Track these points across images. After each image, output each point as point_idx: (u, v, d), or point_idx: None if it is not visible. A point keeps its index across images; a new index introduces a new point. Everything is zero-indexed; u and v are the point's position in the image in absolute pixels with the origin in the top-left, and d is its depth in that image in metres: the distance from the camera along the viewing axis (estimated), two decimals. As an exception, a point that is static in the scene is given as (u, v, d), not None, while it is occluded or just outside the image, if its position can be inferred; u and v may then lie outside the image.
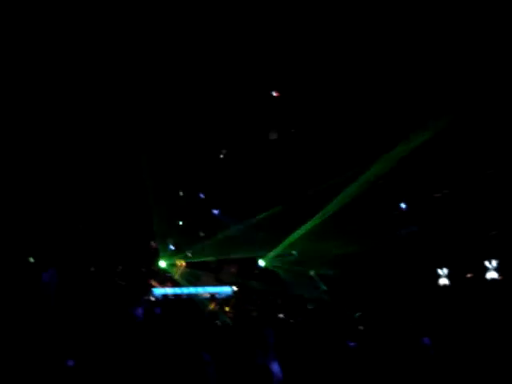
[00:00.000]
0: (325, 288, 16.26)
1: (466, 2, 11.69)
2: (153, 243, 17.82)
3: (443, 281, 15.24)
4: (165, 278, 18.17)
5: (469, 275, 14.77)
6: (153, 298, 17.22)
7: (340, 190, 15.90)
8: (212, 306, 16.76)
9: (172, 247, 18.62)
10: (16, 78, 12.77)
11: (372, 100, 14.32)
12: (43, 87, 13.44)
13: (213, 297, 17.88)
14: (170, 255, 18.34)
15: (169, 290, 17.75)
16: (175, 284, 18.04)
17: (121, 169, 15.53)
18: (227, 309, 16.46)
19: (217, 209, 18.36)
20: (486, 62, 12.49)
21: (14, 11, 11.46)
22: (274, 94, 14.67)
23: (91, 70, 13.33)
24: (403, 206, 16.30)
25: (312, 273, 16.60)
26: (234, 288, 18.14)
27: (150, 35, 12.79)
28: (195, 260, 18.49)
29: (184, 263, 18.37)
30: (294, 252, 17.08)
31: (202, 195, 18.23)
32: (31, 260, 15.41)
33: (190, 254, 18.70)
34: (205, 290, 17.97)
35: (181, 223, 18.23)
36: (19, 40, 11.97)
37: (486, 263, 14.30)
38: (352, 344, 8.80)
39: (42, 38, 12.24)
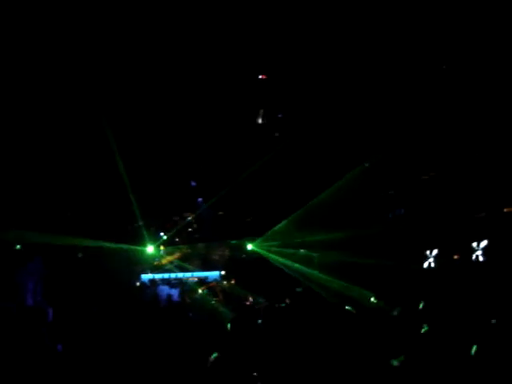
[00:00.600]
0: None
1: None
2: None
3: (430, 262, 15.35)
4: (152, 263, 18.14)
5: (455, 257, 14.88)
6: (141, 284, 17.23)
7: (328, 176, 15.92)
8: (202, 289, 16.83)
9: (161, 233, 18.56)
10: (15, 79, 12.55)
11: (358, 90, 14.27)
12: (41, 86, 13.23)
13: (201, 281, 17.93)
14: (158, 240, 18.30)
15: (157, 275, 17.74)
16: (163, 269, 18.04)
17: (108, 157, 15.38)
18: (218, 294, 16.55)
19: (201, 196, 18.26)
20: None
21: (14, 11, 11.21)
22: (261, 76, 14.55)
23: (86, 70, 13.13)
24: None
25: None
26: (223, 272, 18.17)
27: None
28: (183, 245, 18.50)
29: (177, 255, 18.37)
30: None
31: (193, 183, 18.11)
32: (18, 247, 15.30)
33: (177, 239, 18.68)
34: (193, 275, 18.00)
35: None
36: (19, 40, 11.75)
37: (473, 245, 14.39)
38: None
39: (42, 38, 12.01)
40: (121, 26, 12.05)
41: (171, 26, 12.32)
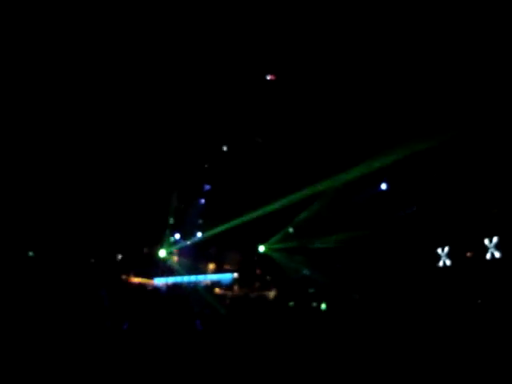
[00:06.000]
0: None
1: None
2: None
3: (444, 260, 15.26)
4: (165, 267, 18.14)
5: (469, 254, 14.77)
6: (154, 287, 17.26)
7: (336, 175, 15.86)
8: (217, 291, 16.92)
9: (175, 237, 18.50)
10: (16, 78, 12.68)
11: (358, 89, 14.28)
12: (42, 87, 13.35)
13: (214, 284, 17.94)
14: (171, 245, 18.29)
15: (170, 279, 17.74)
16: (176, 272, 18.04)
17: (122, 161, 15.48)
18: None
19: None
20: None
21: (14, 11, 11.34)
22: (269, 77, 14.56)
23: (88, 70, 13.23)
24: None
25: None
26: (235, 275, 18.15)
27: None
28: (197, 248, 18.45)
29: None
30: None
31: (207, 187, 18.03)
32: (30, 254, 15.40)
33: (189, 243, 18.67)
34: (206, 278, 17.99)
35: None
36: (19, 40, 11.88)
37: (486, 242, 14.28)
38: None
39: (42, 38, 12.13)
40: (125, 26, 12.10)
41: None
